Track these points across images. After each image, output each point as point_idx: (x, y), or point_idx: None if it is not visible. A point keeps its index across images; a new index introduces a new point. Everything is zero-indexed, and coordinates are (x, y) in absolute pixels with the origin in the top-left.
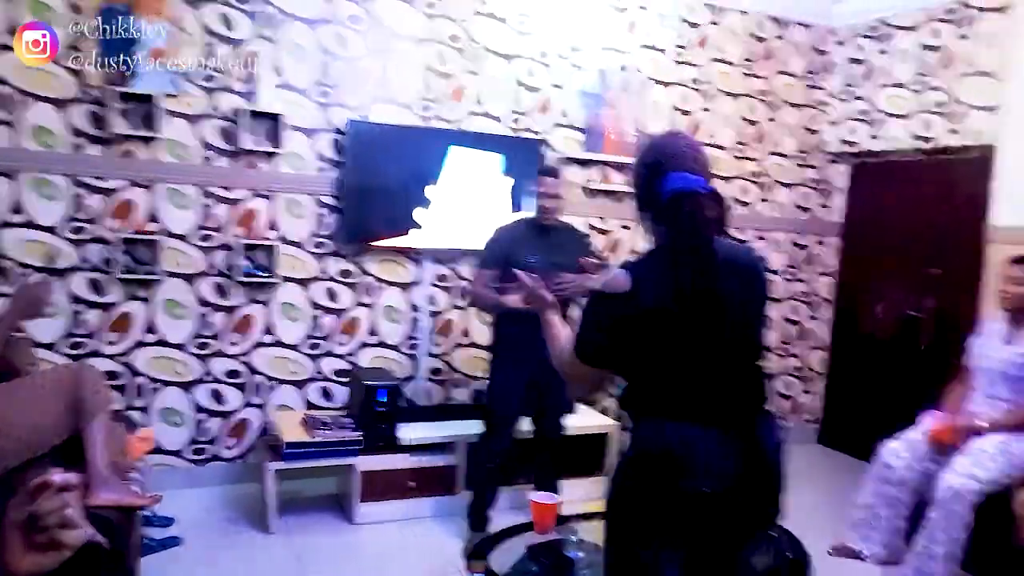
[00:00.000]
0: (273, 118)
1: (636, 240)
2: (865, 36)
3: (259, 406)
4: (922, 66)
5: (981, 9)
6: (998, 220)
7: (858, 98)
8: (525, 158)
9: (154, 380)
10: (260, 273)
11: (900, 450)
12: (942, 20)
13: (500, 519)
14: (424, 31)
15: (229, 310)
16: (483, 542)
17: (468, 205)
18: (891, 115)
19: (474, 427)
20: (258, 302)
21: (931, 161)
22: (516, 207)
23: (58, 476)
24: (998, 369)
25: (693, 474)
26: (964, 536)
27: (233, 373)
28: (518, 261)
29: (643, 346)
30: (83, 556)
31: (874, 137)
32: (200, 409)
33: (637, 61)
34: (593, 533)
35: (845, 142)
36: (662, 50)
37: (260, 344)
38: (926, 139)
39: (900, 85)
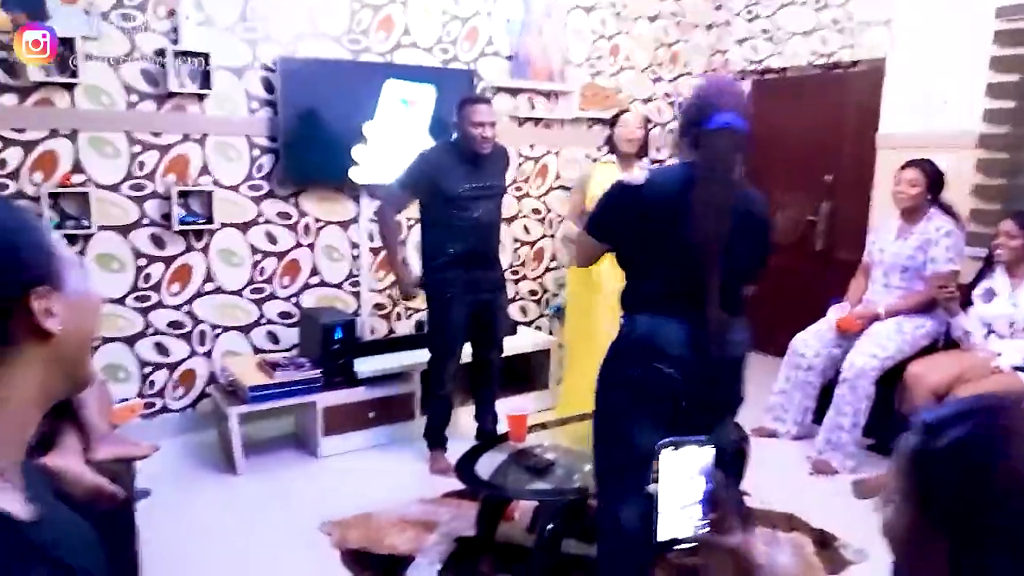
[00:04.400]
0: (200, 57)
1: (564, 166)
2: None
3: (205, 354)
4: None
5: None
6: (885, 128)
7: (760, 17)
8: (456, 88)
9: (95, 337)
10: (197, 220)
11: (809, 339)
12: None
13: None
14: None
15: (167, 260)
16: (467, 455)
17: (404, 138)
18: (792, 33)
19: (424, 356)
20: (196, 250)
21: (827, 76)
22: (447, 137)
23: None
24: (892, 262)
25: (663, 358)
26: (867, 406)
27: (176, 324)
28: (451, 189)
29: (639, 235)
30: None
31: (775, 54)
32: (144, 363)
33: None
34: (557, 437)
35: (748, 60)
36: None
37: (201, 293)
38: (824, 55)
39: (801, 3)
